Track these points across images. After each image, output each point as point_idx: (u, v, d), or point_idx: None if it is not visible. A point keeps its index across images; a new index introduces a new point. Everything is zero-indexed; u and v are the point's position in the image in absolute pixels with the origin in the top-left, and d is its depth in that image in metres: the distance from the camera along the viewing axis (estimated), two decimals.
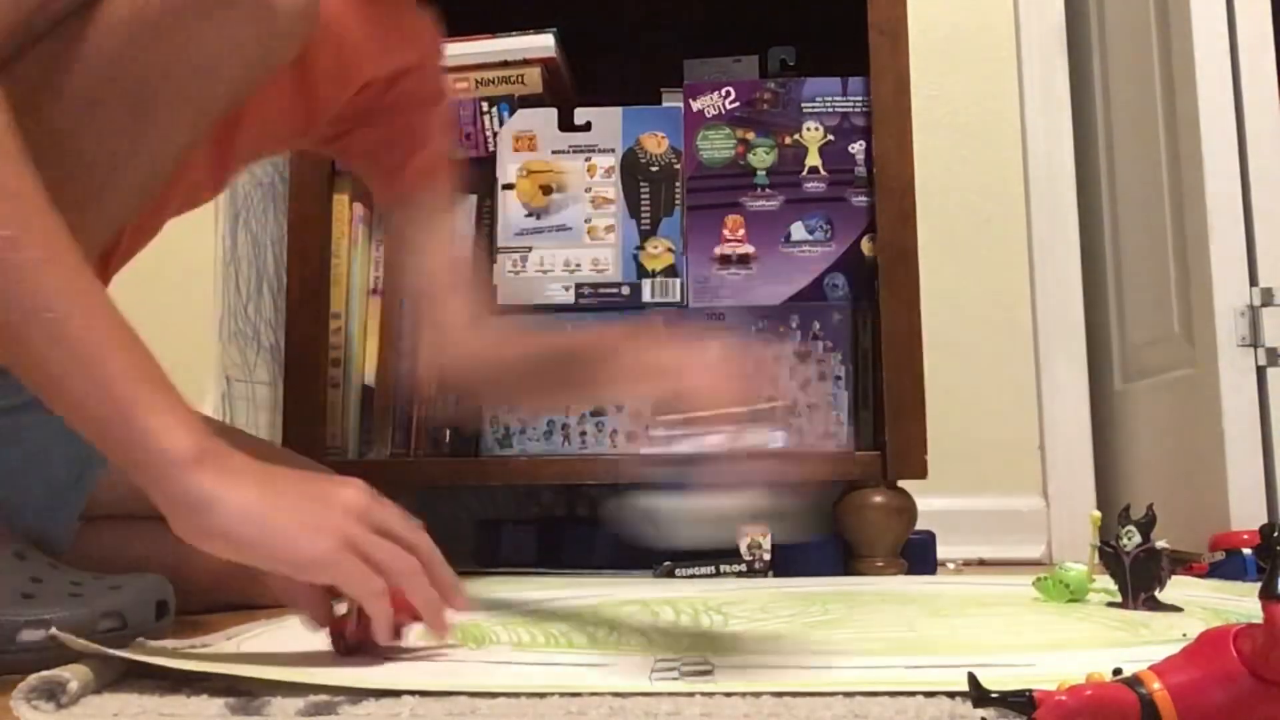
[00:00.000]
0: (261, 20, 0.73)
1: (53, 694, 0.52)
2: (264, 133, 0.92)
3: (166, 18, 0.70)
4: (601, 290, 1.35)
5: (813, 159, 1.37)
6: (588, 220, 1.37)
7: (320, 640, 0.66)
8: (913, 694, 0.52)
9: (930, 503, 1.38)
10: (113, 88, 0.69)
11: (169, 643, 0.67)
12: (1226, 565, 1.22)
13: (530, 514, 1.68)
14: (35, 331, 0.57)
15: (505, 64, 1.40)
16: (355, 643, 0.64)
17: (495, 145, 1.38)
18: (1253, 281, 1.38)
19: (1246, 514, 1.33)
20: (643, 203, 1.36)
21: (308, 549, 0.59)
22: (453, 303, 0.97)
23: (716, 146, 1.38)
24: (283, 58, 0.79)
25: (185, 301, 1.75)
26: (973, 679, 0.46)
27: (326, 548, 0.59)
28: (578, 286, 1.35)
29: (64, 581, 0.71)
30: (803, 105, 1.37)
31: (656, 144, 1.38)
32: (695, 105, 1.38)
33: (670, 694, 0.53)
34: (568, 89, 1.49)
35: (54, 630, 0.60)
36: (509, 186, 1.37)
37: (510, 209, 1.37)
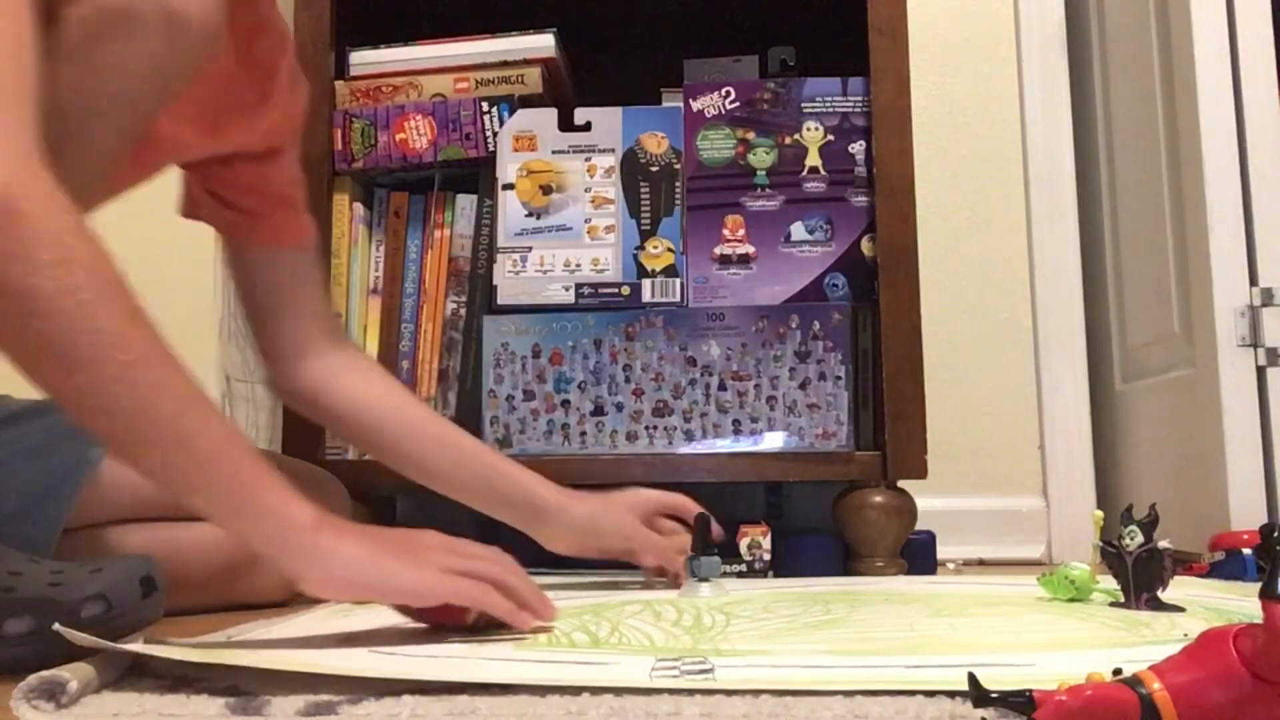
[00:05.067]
0: (173, 33, 0.75)
1: (53, 694, 0.52)
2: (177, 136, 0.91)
3: (85, 45, 0.72)
4: (601, 290, 1.35)
5: (813, 159, 1.37)
6: (588, 220, 1.37)
7: (317, 634, 0.66)
8: (913, 694, 0.52)
9: (930, 503, 1.38)
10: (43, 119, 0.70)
11: (170, 640, 0.67)
12: (1226, 565, 1.22)
13: None
14: (151, 433, 0.65)
15: (505, 64, 1.40)
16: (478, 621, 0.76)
17: (495, 145, 1.38)
18: (1253, 281, 1.38)
19: (1246, 514, 1.33)
20: (643, 203, 1.36)
21: (416, 578, 0.71)
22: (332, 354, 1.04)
23: (716, 146, 1.38)
24: (196, 68, 0.79)
25: (185, 301, 1.75)
26: (973, 679, 0.46)
27: (429, 575, 0.72)
28: (578, 286, 1.35)
29: (43, 572, 0.70)
30: (803, 105, 1.37)
31: (656, 144, 1.38)
32: (695, 105, 1.38)
33: (670, 693, 0.53)
34: (568, 89, 1.49)
35: (56, 626, 0.60)
36: (509, 186, 1.37)
37: (510, 209, 1.37)
